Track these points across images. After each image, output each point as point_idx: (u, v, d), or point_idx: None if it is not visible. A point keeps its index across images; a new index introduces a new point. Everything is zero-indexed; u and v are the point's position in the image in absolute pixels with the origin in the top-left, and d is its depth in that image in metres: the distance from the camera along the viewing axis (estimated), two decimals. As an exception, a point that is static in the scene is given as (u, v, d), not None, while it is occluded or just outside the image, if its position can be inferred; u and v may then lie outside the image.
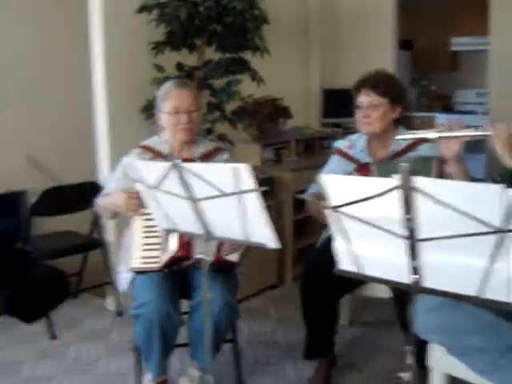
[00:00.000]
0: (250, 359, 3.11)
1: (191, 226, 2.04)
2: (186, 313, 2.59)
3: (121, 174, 2.65)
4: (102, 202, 2.71)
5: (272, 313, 3.80)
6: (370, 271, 1.66)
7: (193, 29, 3.58)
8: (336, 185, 1.57)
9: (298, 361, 3.06)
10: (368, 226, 1.54)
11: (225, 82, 3.75)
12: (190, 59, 3.77)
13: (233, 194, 1.79)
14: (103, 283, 3.87)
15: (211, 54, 3.77)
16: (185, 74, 3.68)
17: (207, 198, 1.87)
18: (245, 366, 2.92)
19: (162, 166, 1.93)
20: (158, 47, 3.67)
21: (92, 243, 3.77)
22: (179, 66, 3.71)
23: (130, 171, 2.13)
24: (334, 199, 1.57)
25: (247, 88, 3.89)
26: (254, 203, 1.79)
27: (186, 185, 1.89)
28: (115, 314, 3.76)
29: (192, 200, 1.92)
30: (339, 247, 1.67)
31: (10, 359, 3.22)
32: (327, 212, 1.62)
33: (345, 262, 1.68)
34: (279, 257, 4.22)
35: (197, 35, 3.65)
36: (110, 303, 3.88)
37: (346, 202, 1.53)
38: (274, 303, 3.95)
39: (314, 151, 4.93)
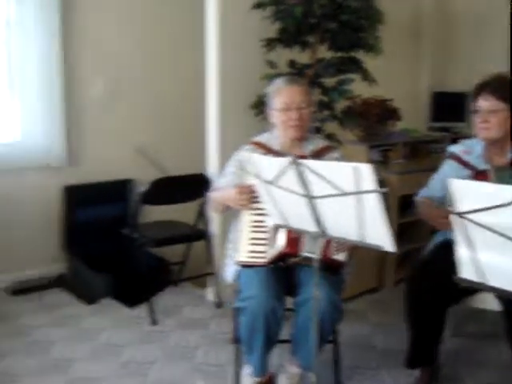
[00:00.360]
0: (348, 362, 3.06)
1: (304, 223, 2.03)
2: (288, 309, 2.58)
3: (234, 168, 2.69)
4: (213, 195, 2.76)
5: (370, 316, 3.75)
6: (493, 282, 1.59)
7: (306, 26, 3.57)
8: (464, 190, 1.51)
9: (393, 368, 3.01)
10: (495, 235, 1.48)
11: (335, 81, 3.71)
12: (301, 57, 3.75)
13: (353, 193, 1.77)
14: (204, 274, 3.93)
15: (323, 52, 3.75)
16: (296, 72, 3.68)
17: (325, 196, 1.85)
18: (343, 369, 2.88)
19: (281, 161, 1.93)
20: (270, 44, 3.68)
21: (197, 234, 3.83)
22: (291, 63, 3.70)
23: (247, 165, 2.14)
24: (461, 205, 1.52)
25: (355, 88, 3.84)
26: (374, 204, 1.76)
27: (303, 182, 1.89)
28: (215, 305, 3.83)
29: (309, 197, 1.91)
30: (462, 255, 1.62)
31: (111, 342, 3.33)
32: (452, 218, 1.57)
33: (467, 271, 1.63)
34: (380, 260, 4.15)
35: (310, 33, 3.63)
36: (210, 294, 3.94)
37: (475, 208, 1.48)
38: (373, 307, 3.90)
39: (421, 155, 4.82)
